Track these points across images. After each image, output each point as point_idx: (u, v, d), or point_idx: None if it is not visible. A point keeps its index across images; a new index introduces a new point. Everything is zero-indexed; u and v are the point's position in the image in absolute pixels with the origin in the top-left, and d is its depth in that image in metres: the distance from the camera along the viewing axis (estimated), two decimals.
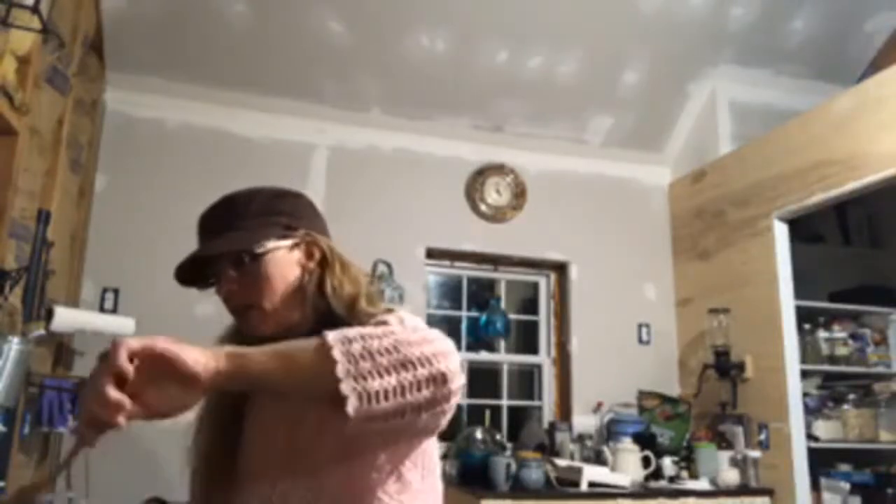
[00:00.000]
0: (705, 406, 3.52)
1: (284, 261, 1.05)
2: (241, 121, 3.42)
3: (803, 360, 3.28)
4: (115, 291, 3.09)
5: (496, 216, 3.71)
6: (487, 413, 3.47)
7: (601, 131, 3.87)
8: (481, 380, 3.78)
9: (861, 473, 3.32)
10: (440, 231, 3.62)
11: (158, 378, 0.76)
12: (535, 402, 3.80)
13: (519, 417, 3.72)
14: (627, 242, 3.90)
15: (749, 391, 3.32)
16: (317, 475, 0.95)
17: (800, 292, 3.27)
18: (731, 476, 3.15)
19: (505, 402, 3.76)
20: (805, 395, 3.23)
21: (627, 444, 3.19)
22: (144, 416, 0.76)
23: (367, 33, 3.25)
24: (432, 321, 3.67)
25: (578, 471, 2.94)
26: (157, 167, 3.27)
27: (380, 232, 3.43)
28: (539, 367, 3.84)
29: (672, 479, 3.18)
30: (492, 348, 3.80)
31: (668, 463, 3.22)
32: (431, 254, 3.63)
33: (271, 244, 1.04)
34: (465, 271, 3.83)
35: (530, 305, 3.95)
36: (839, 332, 3.58)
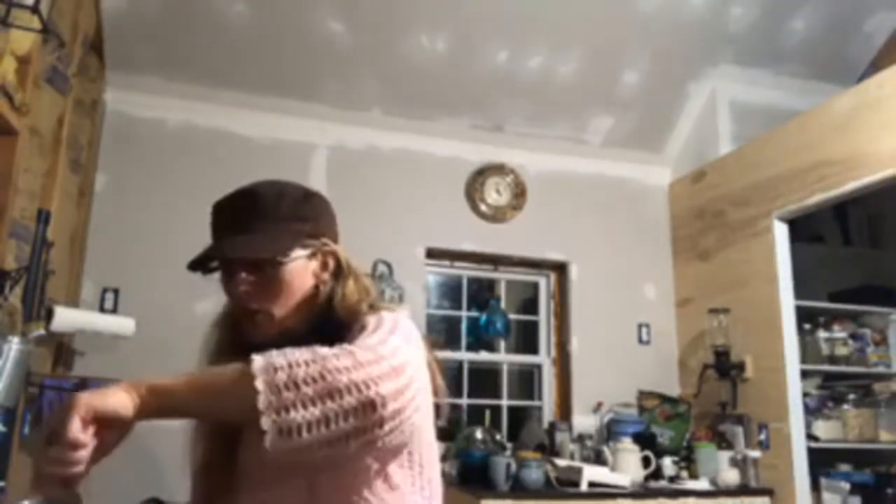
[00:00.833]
0: (705, 406, 3.52)
1: (302, 270, 1.04)
2: (241, 121, 3.42)
3: (803, 360, 3.28)
4: (115, 291, 3.09)
5: (496, 216, 3.71)
6: (487, 413, 3.47)
7: (601, 131, 3.87)
8: (481, 380, 3.78)
9: (861, 473, 3.32)
10: (440, 231, 3.62)
11: (97, 427, 0.80)
12: (535, 402, 3.80)
13: (519, 417, 3.72)
14: (627, 242, 3.90)
15: (749, 391, 3.32)
16: (307, 479, 0.96)
17: (800, 292, 3.27)
18: (731, 476, 3.14)
19: (505, 402, 3.76)
20: (805, 395, 3.23)
21: (627, 444, 3.19)
22: (94, 461, 0.81)
23: (367, 33, 3.25)
24: (432, 321, 3.68)
25: (578, 471, 2.94)
26: (157, 167, 3.27)
27: (380, 232, 3.43)
28: (539, 367, 3.84)
29: (672, 479, 3.18)
30: (492, 348, 3.80)
31: (668, 463, 3.22)
32: (431, 254, 3.63)
33: (294, 254, 1.03)
34: (465, 271, 3.83)
35: (530, 305, 3.95)
36: (839, 332, 3.58)
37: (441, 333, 3.76)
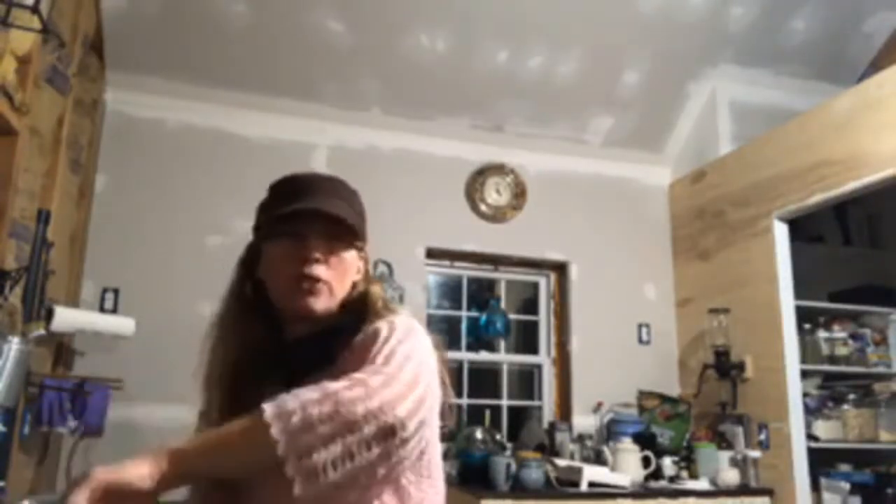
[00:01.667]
0: (705, 406, 3.52)
1: (355, 262, 1.09)
2: (241, 121, 3.42)
3: (803, 360, 3.28)
4: (115, 291, 3.09)
5: (496, 216, 3.71)
6: (487, 413, 3.47)
7: (601, 131, 3.87)
8: (481, 380, 3.78)
9: (861, 473, 3.32)
10: (440, 231, 3.62)
11: (115, 501, 0.78)
12: (535, 402, 3.80)
13: (519, 417, 3.72)
14: (627, 242, 3.90)
15: (749, 391, 3.32)
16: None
17: (800, 292, 3.27)
18: (731, 476, 3.14)
19: (505, 402, 3.76)
20: (805, 395, 3.23)
21: (627, 444, 3.19)
22: None
23: (367, 33, 3.25)
24: (432, 321, 3.68)
25: (578, 471, 2.94)
26: (157, 167, 3.27)
27: (380, 232, 3.38)
28: (539, 367, 3.84)
29: (672, 479, 3.18)
30: (492, 348, 3.81)
31: (668, 463, 3.22)
32: (431, 254, 3.63)
33: (361, 243, 1.10)
34: (465, 271, 3.83)
35: (530, 305, 3.95)
36: (839, 332, 3.58)
37: (441, 333, 3.76)
